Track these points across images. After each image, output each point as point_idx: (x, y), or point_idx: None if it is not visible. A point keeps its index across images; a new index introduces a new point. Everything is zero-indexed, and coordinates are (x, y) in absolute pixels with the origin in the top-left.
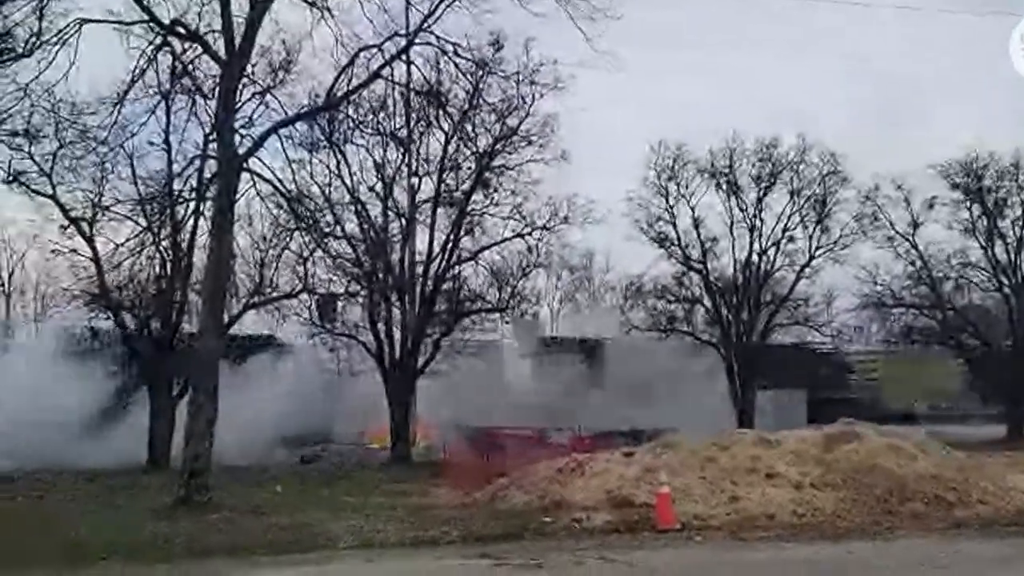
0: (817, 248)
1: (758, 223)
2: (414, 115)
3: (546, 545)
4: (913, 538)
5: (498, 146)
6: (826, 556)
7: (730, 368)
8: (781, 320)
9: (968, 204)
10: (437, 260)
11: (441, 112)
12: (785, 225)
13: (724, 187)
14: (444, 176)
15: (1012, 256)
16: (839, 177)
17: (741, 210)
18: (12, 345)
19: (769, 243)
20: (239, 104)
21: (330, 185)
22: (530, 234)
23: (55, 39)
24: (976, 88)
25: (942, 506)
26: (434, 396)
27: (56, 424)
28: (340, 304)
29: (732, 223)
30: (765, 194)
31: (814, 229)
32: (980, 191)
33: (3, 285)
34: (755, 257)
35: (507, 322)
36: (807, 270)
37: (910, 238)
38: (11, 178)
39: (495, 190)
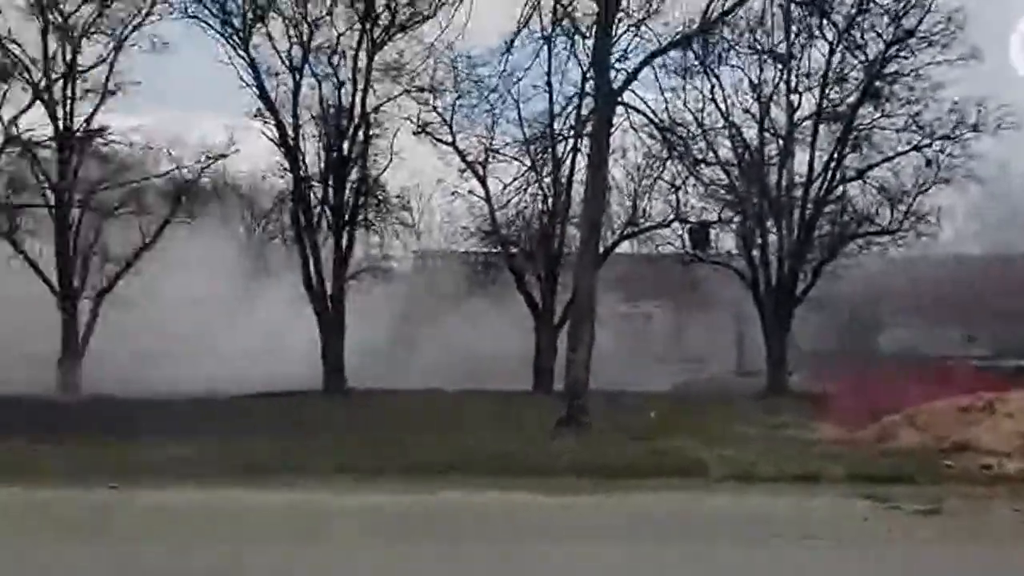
0: None
1: None
2: (794, 28)
3: (944, 490)
4: None
5: (891, 51)
6: None
7: None
8: None
9: None
10: (818, 181)
11: (825, 21)
12: None
13: None
14: (827, 90)
15: None
16: None
17: None
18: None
19: None
20: (615, 39)
21: (703, 111)
22: (929, 146)
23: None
24: None
25: None
26: (813, 324)
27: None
28: (714, 232)
29: None
30: None
31: None
32: None
33: (414, 225)
34: None
35: (900, 245)
36: None
37: None
38: (419, 129)
39: (886, 100)
